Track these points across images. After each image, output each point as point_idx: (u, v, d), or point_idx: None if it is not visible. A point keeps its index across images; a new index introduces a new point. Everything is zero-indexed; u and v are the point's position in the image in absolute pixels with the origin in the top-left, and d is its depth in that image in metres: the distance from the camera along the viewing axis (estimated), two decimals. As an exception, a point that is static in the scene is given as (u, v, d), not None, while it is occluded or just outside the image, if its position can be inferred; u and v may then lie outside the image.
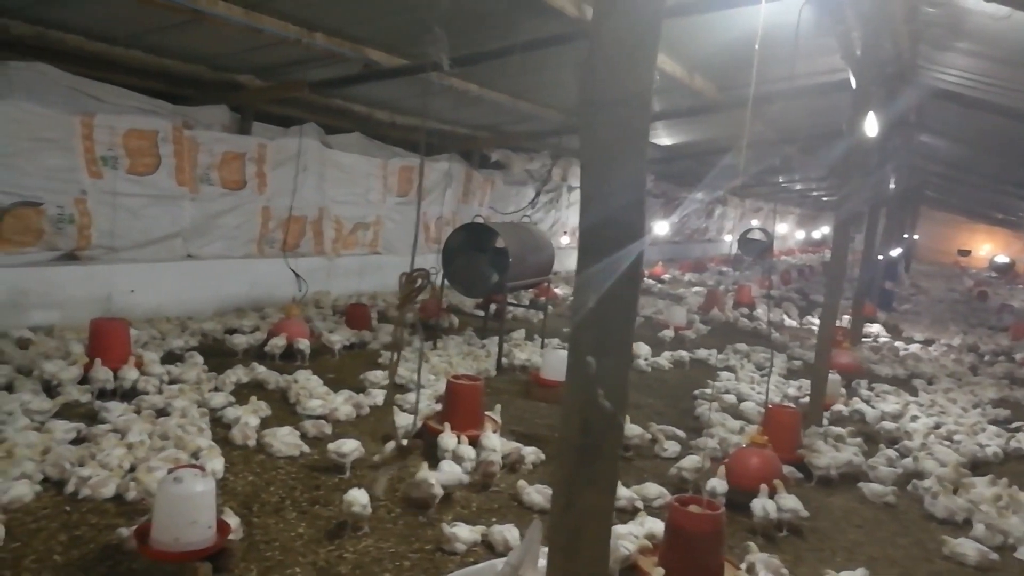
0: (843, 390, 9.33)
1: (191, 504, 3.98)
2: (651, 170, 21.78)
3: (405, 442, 5.56)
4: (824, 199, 34.79)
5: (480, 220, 10.55)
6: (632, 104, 2.08)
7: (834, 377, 8.85)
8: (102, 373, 6.68)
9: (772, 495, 5.37)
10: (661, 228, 26.01)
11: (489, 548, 4.66)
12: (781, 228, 36.49)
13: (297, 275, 9.40)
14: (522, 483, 5.52)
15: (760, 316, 16.18)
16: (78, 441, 5.58)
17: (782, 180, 26.43)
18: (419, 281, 4.85)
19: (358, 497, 4.62)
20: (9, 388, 6.49)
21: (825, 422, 8.01)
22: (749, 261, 28.97)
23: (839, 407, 8.62)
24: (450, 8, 7.81)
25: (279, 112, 12.33)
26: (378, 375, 8.04)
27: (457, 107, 12.98)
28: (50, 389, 6.56)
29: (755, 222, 34.11)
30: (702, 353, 11.57)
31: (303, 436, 6.13)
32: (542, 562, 2.79)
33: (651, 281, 21.03)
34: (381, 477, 5.29)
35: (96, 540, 4.33)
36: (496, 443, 6.02)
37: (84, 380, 6.77)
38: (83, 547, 4.25)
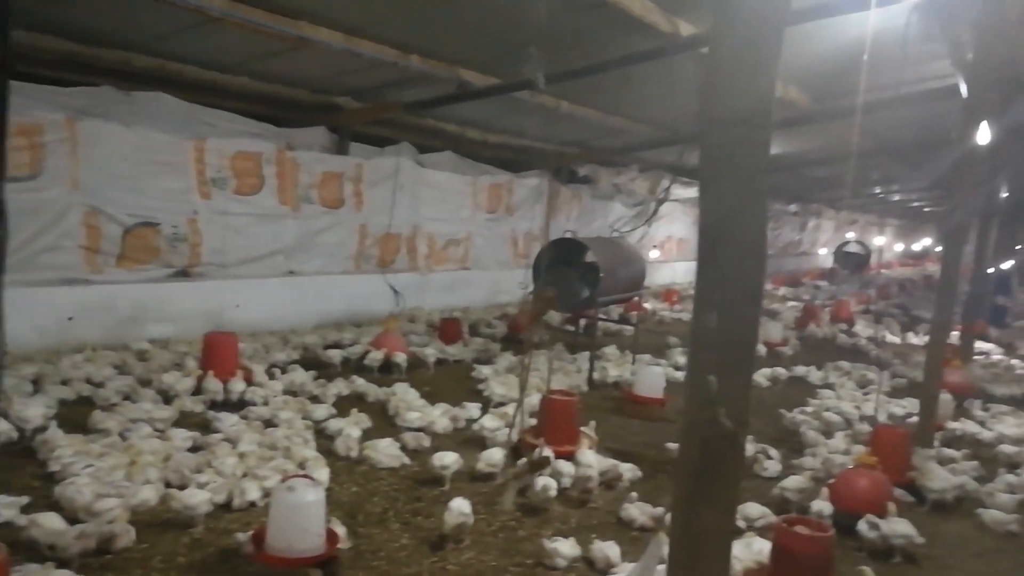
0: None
1: (303, 512, 4.13)
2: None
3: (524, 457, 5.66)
4: (926, 210, 33.27)
5: (570, 235, 10.56)
6: (753, 122, 2.07)
7: (945, 397, 8.42)
8: (214, 385, 7.02)
9: (881, 518, 5.16)
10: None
11: (589, 564, 4.64)
12: (879, 240, 35.05)
13: (395, 290, 9.65)
14: (629, 500, 5.47)
15: (860, 332, 15.56)
16: (194, 449, 5.87)
17: (880, 191, 25.46)
18: (548, 298, 4.84)
19: (461, 508, 4.69)
20: (131, 398, 6.89)
21: (936, 443, 7.63)
22: (845, 275, 27.97)
23: (952, 428, 8.20)
24: (544, 27, 7.94)
25: (374, 133, 12.70)
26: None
27: (547, 124, 13.09)
28: (167, 399, 6.93)
29: (851, 234, 32.93)
30: (799, 370, 11.22)
31: (403, 448, 6.27)
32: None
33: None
34: (510, 489, 5.37)
35: (215, 544, 4.54)
36: (592, 459, 5.99)
37: (197, 391, 7.14)
38: (203, 550, 4.47)
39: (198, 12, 7.34)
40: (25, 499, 4.60)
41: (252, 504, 5.05)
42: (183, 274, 9.74)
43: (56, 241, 8.47)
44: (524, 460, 5.74)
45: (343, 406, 7.31)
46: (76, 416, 6.40)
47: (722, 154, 2.14)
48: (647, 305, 15.95)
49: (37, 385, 7.05)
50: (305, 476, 4.63)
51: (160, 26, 8.03)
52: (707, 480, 2.22)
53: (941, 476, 6.33)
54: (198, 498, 4.71)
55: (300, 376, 8.01)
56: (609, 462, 6.19)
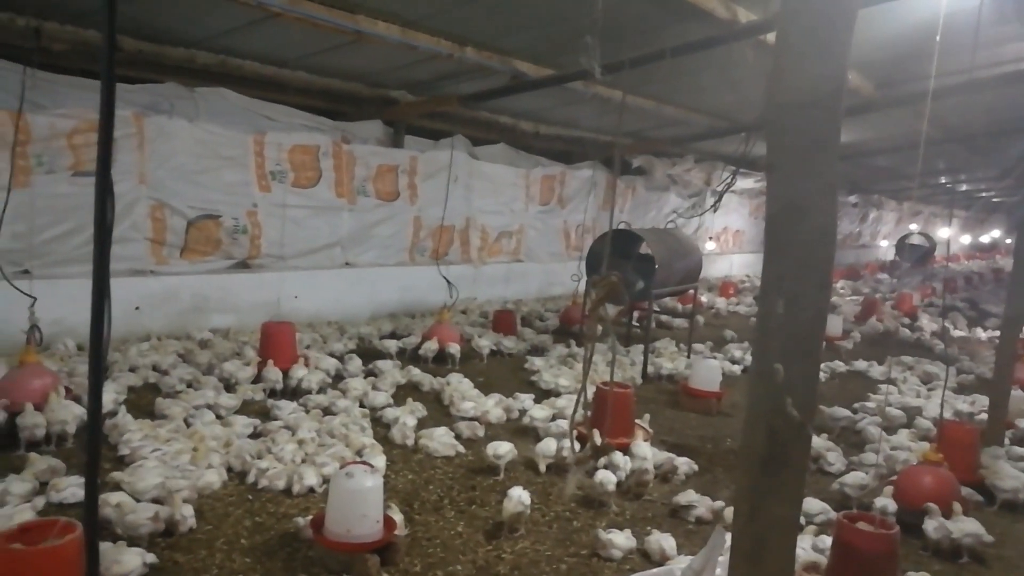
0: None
1: (361, 498, 4.20)
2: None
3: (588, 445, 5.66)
4: (995, 200, 32.03)
5: (624, 226, 10.47)
6: (824, 106, 2.01)
7: (1016, 393, 8.10)
8: (273, 373, 7.18)
9: (947, 516, 5.01)
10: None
11: (645, 556, 4.61)
12: (945, 232, 33.88)
13: (449, 282, 9.70)
14: (685, 492, 5.42)
15: (923, 327, 15.08)
16: (255, 436, 6.02)
17: (946, 181, 24.60)
18: (613, 283, 4.79)
19: (521, 497, 4.71)
20: (194, 385, 7.09)
21: (1006, 442, 7.36)
22: (908, 267, 27.14)
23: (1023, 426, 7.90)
24: (601, 16, 7.88)
25: (429, 126, 12.78)
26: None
27: (601, 114, 12.98)
28: (229, 387, 7.11)
29: (914, 226, 31.91)
30: (859, 365, 10.94)
31: (458, 437, 6.32)
32: (719, 572, 2.74)
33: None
34: (572, 477, 5.37)
35: (275, 528, 4.65)
36: (648, 452, 5.94)
37: (257, 379, 7.31)
38: (265, 533, 4.58)
39: (260, 8, 7.47)
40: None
41: (311, 490, 5.15)
42: (243, 265, 9.97)
43: (125, 233, 8.74)
44: (588, 446, 5.75)
45: (399, 395, 7.41)
46: (143, 402, 6.63)
47: (791, 139, 2.08)
48: (703, 298, 15.72)
49: (107, 372, 7.30)
50: (363, 463, 4.69)
51: (223, 23, 8.20)
52: (773, 471, 2.17)
53: (1011, 475, 6.11)
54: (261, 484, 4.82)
55: (357, 365, 8.14)
56: (664, 455, 6.13)
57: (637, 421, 6.71)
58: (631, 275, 9.86)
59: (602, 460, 5.74)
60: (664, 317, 13.03)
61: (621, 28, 8.35)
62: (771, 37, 8.06)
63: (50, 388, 5.73)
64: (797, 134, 2.06)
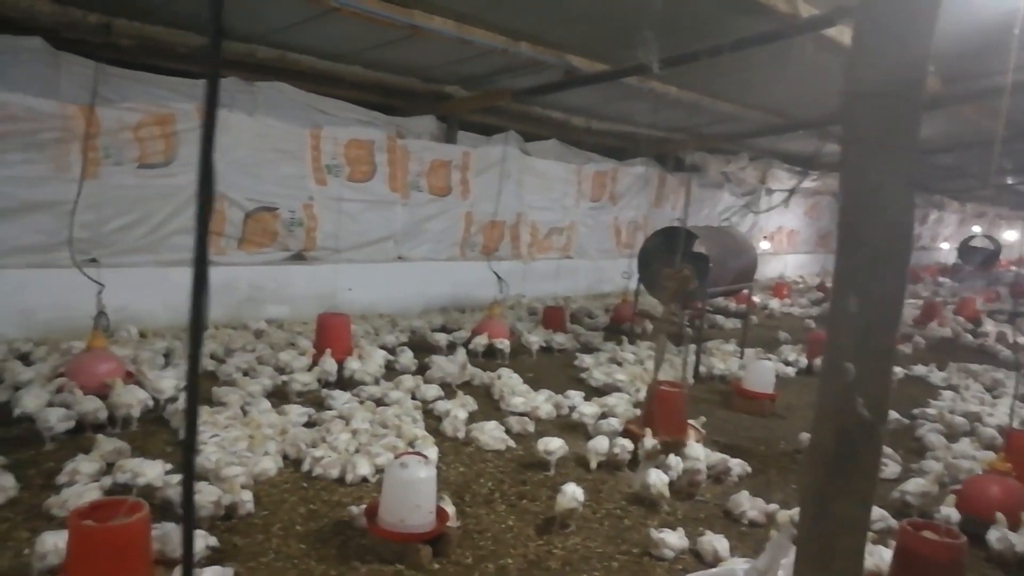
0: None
1: (415, 489, 4.23)
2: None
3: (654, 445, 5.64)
4: (1066, 203, 30.75)
5: (678, 223, 10.35)
6: (903, 95, 1.94)
7: (1089, 403, 7.77)
8: (328, 364, 7.28)
9: (1014, 528, 4.83)
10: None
11: (697, 557, 4.56)
12: (1011, 235, 32.67)
13: (499, 277, 9.72)
14: (739, 494, 5.34)
15: (987, 332, 14.58)
16: (309, 425, 6.11)
17: (1014, 182, 23.72)
18: (686, 276, 4.72)
19: (575, 493, 4.70)
20: (250, 374, 7.24)
21: (1078, 453, 7.06)
22: (970, 271, 26.30)
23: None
24: (658, 10, 7.79)
25: (481, 121, 12.81)
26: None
27: (654, 110, 12.86)
28: (284, 376, 7.24)
29: (978, 228, 30.87)
30: (919, 370, 10.62)
31: (508, 431, 6.32)
32: (781, 574, 2.68)
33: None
34: (640, 472, 5.37)
35: (329, 515, 4.71)
36: (700, 452, 5.87)
37: (311, 369, 7.41)
38: (319, 520, 4.65)
39: (317, 3, 7.58)
40: (161, 463, 4.90)
41: (364, 479, 5.21)
42: (298, 257, 10.15)
43: (185, 224, 8.96)
44: (656, 442, 5.73)
45: (449, 388, 7.45)
46: (201, 389, 6.77)
47: (867, 129, 2.02)
48: (756, 298, 15.45)
49: (168, 359, 7.51)
50: (418, 454, 4.73)
51: (282, 18, 8.34)
52: (842, 472, 2.11)
53: (1085, 487, 5.85)
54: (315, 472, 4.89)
55: (409, 358, 8.21)
56: (717, 455, 6.04)
57: (689, 421, 6.63)
58: (684, 273, 9.74)
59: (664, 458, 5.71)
60: (716, 317, 12.86)
61: (679, 22, 8.24)
62: (833, 32, 7.88)
63: (116, 373, 5.91)
64: (874, 124, 2.00)
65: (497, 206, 12.17)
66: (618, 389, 7.93)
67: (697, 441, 6.19)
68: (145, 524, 3.48)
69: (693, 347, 9.62)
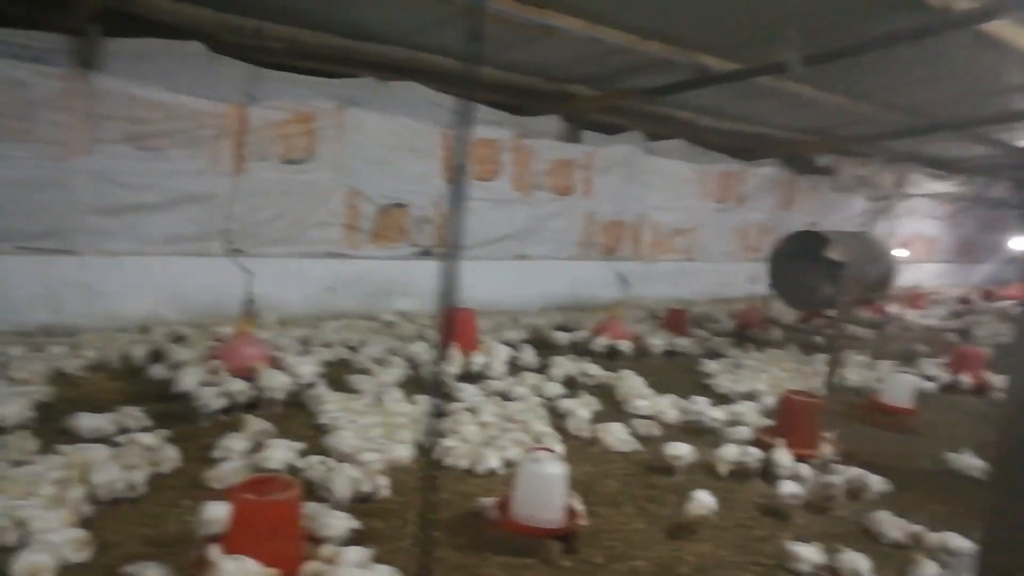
0: None
1: (547, 484, 4.27)
2: (1008, 176, 18.93)
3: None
4: None
5: (813, 227, 9.96)
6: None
7: None
8: (457, 357, 7.45)
9: None
10: (1019, 244, 22.47)
11: (834, 574, 4.37)
12: None
13: (622, 278, 9.67)
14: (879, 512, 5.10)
15: None
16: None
17: None
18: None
19: (705, 500, 4.62)
20: (382, 363, 7.50)
21: None
22: None
23: None
24: (798, 7, 7.52)
25: (605, 120, 12.76)
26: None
27: (785, 110, 12.44)
28: (414, 367, 7.47)
29: None
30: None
31: (633, 434, 6.28)
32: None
33: (1007, 303, 18.24)
34: (813, 481, 5.27)
35: (461, 505, 4.83)
36: (835, 466, 5.63)
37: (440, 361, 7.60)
38: (451, 509, 4.77)
39: (451, 4, 7.77)
40: (302, 445, 5.16)
41: (493, 471, 5.31)
42: (426, 253, 10.44)
43: (323, 218, 9.41)
44: (833, 454, 5.61)
45: (571, 387, 7.47)
46: (337, 376, 7.10)
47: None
48: (892, 308, 14.66)
49: (305, 346, 7.90)
50: (549, 450, 4.77)
51: (417, 20, 8.59)
52: (1034, 496, 1.98)
53: None
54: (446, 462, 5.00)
55: (531, 355, 8.29)
56: (854, 470, 5.77)
57: (824, 433, 6.36)
58: (816, 280, 9.37)
59: (787, 470, 5.52)
60: (849, 326, 12.27)
61: (821, 19, 7.93)
62: (991, 27, 7.36)
63: (261, 358, 6.27)
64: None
65: (618, 206, 12.10)
66: (747, 397, 7.72)
67: (832, 453, 5.94)
68: (298, 500, 3.68)
69: (826, 357, 9.23)
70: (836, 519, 5.23)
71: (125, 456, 4.70)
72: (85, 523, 4.02)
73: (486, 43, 9.35)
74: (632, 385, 7.50)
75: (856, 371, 9.23)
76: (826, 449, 6.05)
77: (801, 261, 9.66)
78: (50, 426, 5.30)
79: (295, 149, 9.12)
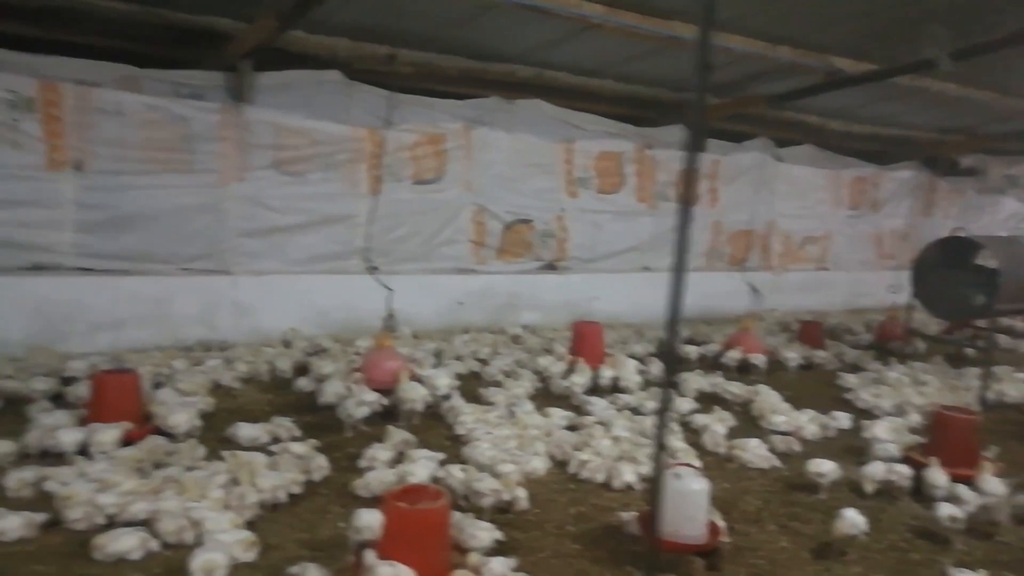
0: None
1: (689, 500, 4.22)
2: None
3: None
4: None
5: (962, 233, 9.36)
6: None
7: None
8: (584, 370, 7.48)
9: None
10: None
11: (1004, 606, 4.10)
12: None
13: (754, 289, 9.42)
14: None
15: None
16: (570, 428, 6.31)
17: None
18: None
19: (855, 519, 4.44)
20: (512, 376, 7.64)
21: None
22: None
23: None
24: (942, 1, 7.14)
25: (731, 128, 12.49)
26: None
27: (924, 110, 11.79)
28: (543, 380, 7.56)
29: None
30: None
31: (771, 450, 6.09)
32: None
33: None
34: (1006, 504, 5.05)
35: (598, 519, 4.84)
36: (999, 488, 5.26)
37: (568, 374, 7.66)
38: (588, 522, 4.79)
39: (579, 20, 7.86)
40: (441, 455, 5.33)
41: (629, 486, 5.29)
42: (550, 267, 10.56)
43: (452, 236, 9.71)
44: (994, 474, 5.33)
45: (703, 402, 7.34)
46: (470, 388, 7.27)
47: None
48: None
49: (438, 359, 8.15)
50: (689, 465, 4.72)
51: (541, 37, 8.74)
52: None
53: None
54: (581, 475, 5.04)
55: (659, 369, 8.19)
56: (1020, 494, 5.37)
57: (982, 452, 5.95)
58: (966, 289, 8.80)
59: (943, 491, 5.21)
60: (1003, 337, 11.42)
61: (966, 11, 7.48)
62: None
63: (401, 370, 6.52)
64: None
65: (746, 214, 11.81)
66: (891, 412, 7.33)
67: (995, 475, 5.54)
68: (447, 510, 3.81)
69: (978, 370, 8.63)
70: (1001, 545, 4.90)
71: (280, 464, 5.01)
72: (249, 525, 4.31)
73: (608, 56, 9.40)
74: (768, 400, 7.28)
75: (1014, 385, 8.57)
76: (986, 469, 5.65)
77: (949, 269, 9.10)
78: (213, 434, 5.73)
79: (426, 169, 9.46)
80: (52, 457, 5.04)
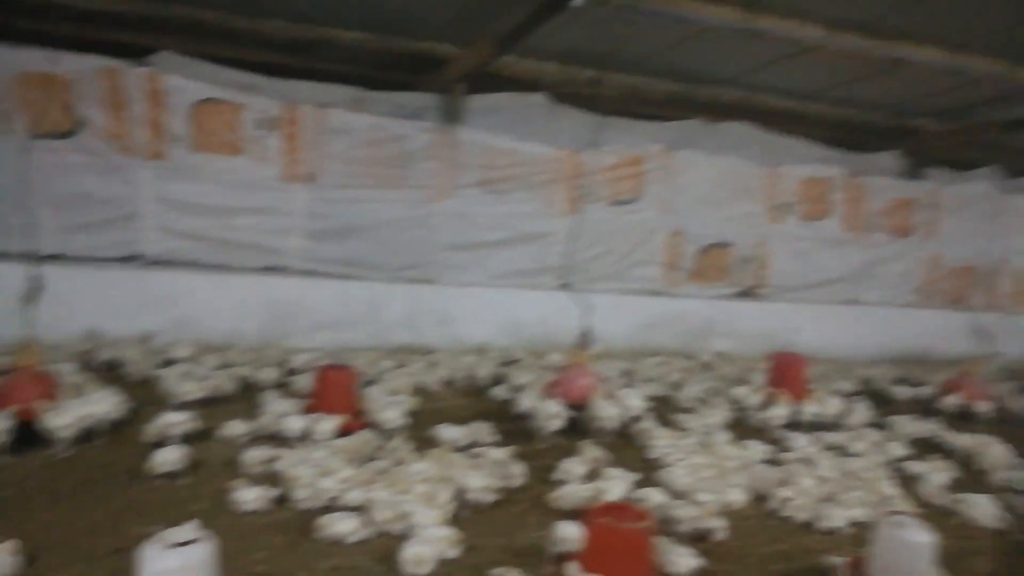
0: None
1: (913, 553, 3.92)
2: None
3: None
4: None
5: None
6: None
7: None
8: (785, 404, 7.14)
9: None
10: None
11: None
12: None
13: (982, 331, 8.59)
14: None
15: None
16: (769, 463, 6.03)
17: None
18: None
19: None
20: (705, 404, 7.44)
21: None
22: None
23: None
24: None
25: (954, 156, 11.52)
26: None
27: None
28: (739, 411, 7.30)
29: None
30: None
31: (1004, 508, 5.48)
32: None
33: None
34: None
35: (803, 559, 4.59)
36: None
37: (765, 407, 7.34)
38: (792, 561, 4.55)
39: (794, 43, 7.59)
40: (635, 476, 5.29)
41: (835, 530, 4.97)
42: (748, 294, 10.20)
43: (645, 257, 9.67)
44: None
45: (917, 448, 6.76)
46: (661, 412, 7.17)
47: None
48: None
49: (628, 379, 8.11)
50: (910, 515, 4.37)
51: (752, 60, 8.54)
52: None
53: None
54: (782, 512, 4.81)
55: (867, 409, 7.66)
56: None
57: None
58: None
59: None
60: None
61: None
62: None
63: (594, 388, 6.56)
64: None
65: (971, 250, 10.80)
66: None
67: None
68: (650, 531, 3.78)
69: None
70: None
71: (480, 467, 5.19)
72: (452, 523, 4.50)
73: (822, 79, 9.02)
74: (996, 453, 6.57)
75: None
76: None
77: None
78: (418, 433, 6.04)
79: (623, 190, 9.50)
80: (278, 440, 5.55)
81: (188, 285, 7.79)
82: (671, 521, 4.66)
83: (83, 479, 4.78)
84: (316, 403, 5.97)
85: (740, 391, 7.60)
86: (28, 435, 5.00)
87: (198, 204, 7.88)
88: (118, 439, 5.35)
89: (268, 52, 8.25)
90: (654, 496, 4.94)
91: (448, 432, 5.89)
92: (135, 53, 7.72)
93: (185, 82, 7.67)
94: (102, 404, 5.33)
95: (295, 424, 5.59)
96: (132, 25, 7.67)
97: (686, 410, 7.24)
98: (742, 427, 6.90)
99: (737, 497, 5.25)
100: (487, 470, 5.15)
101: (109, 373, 6.70)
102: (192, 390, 6.19)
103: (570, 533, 4.05)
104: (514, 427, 6.41)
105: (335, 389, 6.02)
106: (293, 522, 4.47)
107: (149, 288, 7.64)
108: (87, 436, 5.16)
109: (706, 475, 5.49)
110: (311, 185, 8.27)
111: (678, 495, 5.09)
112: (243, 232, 8.11)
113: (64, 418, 5.03)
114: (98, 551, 3.94)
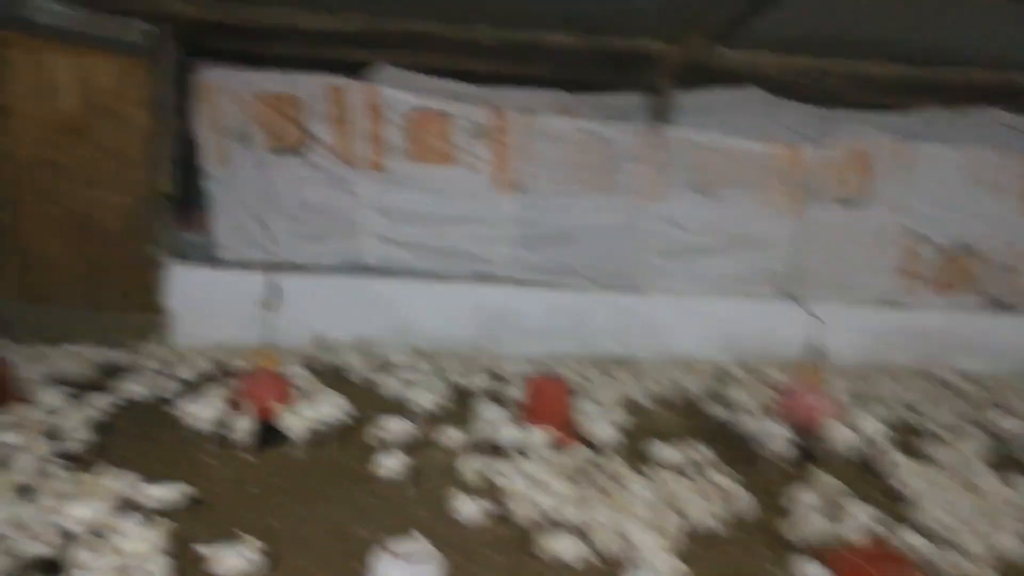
0: None
1: None
2: None
3: None
4: None
5: None
6: None
7: None
8: (1059, 436, 6.10)
9: None
10: None
11: None
12: None
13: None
14: None
15: None
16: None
17: None
18: None
19: None
20: (954, 431, 6.53)
21: None
22: None
23: None
24: None
25: None
26: None
27: None
28: (996, 441, 6.33)
29: None
30: None
31: None
32: None
33: None
34: None
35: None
36: None
37: (1033, 439, 6.32)
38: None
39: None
40: (874, 510, 4.67)
41: None
42: (1003, 306, 8.93)
43: (876, 263, 8.73)
44: None
45: None
46: (901, 438, 6.37)
47: None
48: None
49: (857, 400, 7.30)
50: None
51: (1013, 31, 7.37)
52: None
53: None
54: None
55: None
56: None
57: None
58: None
59: None
60: None
61: None
62: None
63: (827, 409, 5.93)
64: None
65: None
66: None
67: None
68: None
69: None
70: None
71: (703, 492, 4.82)
72: (679, 553, 4.17)
73: None
74: None
75: None
76: None
77: None
78: (631, 448, 5.76)
79: (847, 188, 8.65)
80: (492, 450, 5.49)
81: (404, 292, 8.04)
82: (929, 568, 4.04)
83: (317, 480, 4.99)
84: (528, 413, 5.88)
85: (999, 418, 6.60)
86: (268, 435, 5.31)
87: (413, 212, 8.13)
88: (344, 442, 5.56)
89: (475, 59, 8.35)
90: (912, 538, 4.33)
91: (663, 451, 5.57)
92: (349, 67, 8.11)
93: (399, 93, 7.94)
94: (331, 407, 5.56)
95: (509, 434, 5.51)
96: (352, 41, 8.06)
97: (934, 436, 6.39)
98: (1006, 461, 5.95)
99: (1010, 544, 4.48)
100: (710, 495, 4.79)
101: (334, 377, 7.03)
102: (425, 401, 6.13)
103: (815, 573, 3.63)
104: (733, 449, 5.95)
105: (548, 400, 5.89)
106: (512, 539, 4.36)
107: (368, 295, 7.97)
108: (318, 438, 5.40)
109: (967, 516, 4.75)
110: (519, 192, 8.26)
111: (935, 538, 4.42)
112: (454, 240, 8.26)
113: (300, 420, 5.29)
114: (332, 554, 4.05)
